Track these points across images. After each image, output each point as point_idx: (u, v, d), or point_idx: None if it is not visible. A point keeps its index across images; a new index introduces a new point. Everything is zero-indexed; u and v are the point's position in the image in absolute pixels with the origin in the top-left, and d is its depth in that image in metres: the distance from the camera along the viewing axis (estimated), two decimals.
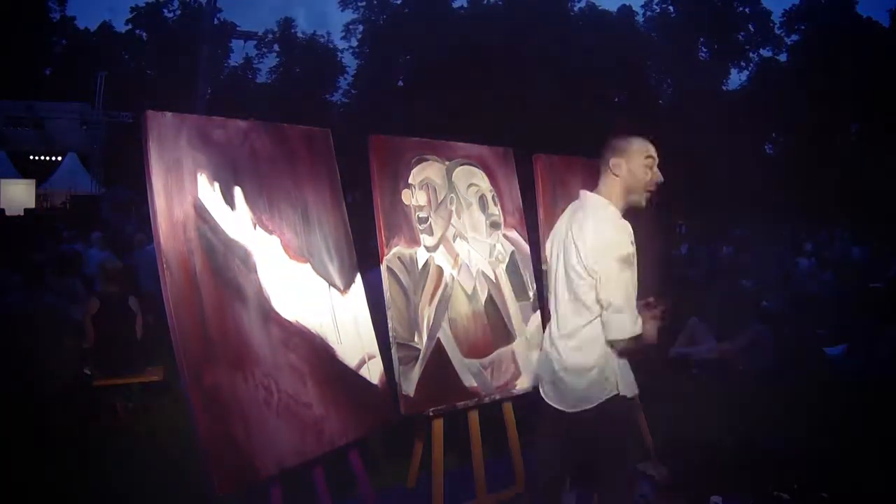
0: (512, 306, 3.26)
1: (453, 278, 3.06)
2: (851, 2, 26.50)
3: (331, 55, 32.78)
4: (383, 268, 2.83)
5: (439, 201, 3.11)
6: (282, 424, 2.30)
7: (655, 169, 2.31)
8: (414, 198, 3.01)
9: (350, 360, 2.65)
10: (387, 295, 2.81)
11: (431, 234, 3.03)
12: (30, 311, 4.70)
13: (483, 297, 3.16)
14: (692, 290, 7.83)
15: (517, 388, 3.19)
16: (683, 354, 5.67)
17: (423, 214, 3.02)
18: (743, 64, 29.70)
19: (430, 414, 2.86)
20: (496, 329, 3.18)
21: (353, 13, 31.90)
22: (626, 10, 30.78)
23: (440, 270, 3.02)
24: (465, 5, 28.72)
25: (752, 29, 29.60)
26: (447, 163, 3.19)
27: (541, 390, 2.24)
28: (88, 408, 4.56)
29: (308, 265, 2.60)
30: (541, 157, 3.48)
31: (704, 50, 29.11)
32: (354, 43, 32.22)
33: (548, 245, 2.30)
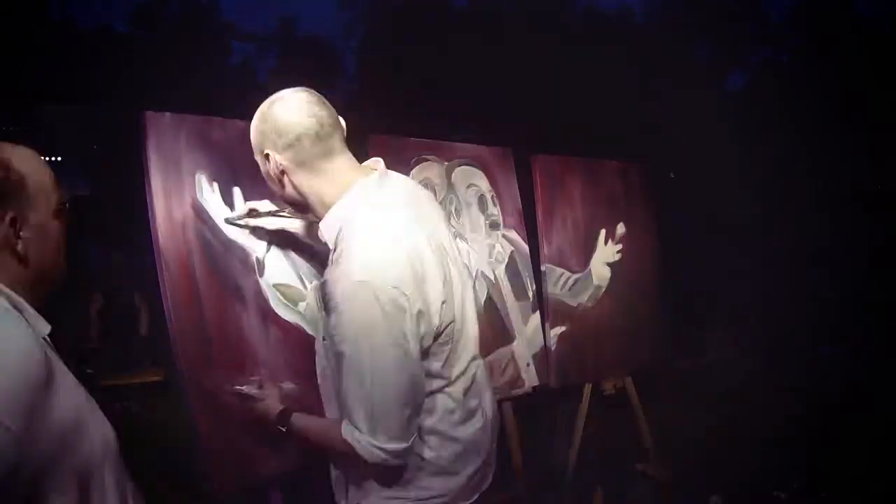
0: (511, 306, 3.26)
1: None
2: (851, 1, 26.48)
3: (331, 55, 32.74)
4: None
5: (439, 201, 3.10)
6: None
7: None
8: None
9: None
10: None
11: None
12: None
13: (482, 297, 3.16)
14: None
15: (517, 388, 3.19)
16: None
17: None
18: (744, 65, 29.67)
19: None
20: (495, 329, 3.18)
21: (353, 13, 31.87)
22: (625, 10, 30.79)
23: None
24: (466, 5, 28.72)
25: (752, 29, 29.58)
26: (446, 163, 3.19)
27: None
28: None
29: (307, 265, 2.59)
30: (538, 158, 3.49)
31: (704, 50, 29.10)
32: (354, 43, 32.18)
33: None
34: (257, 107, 1.86)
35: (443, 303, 1.51)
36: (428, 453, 1.63)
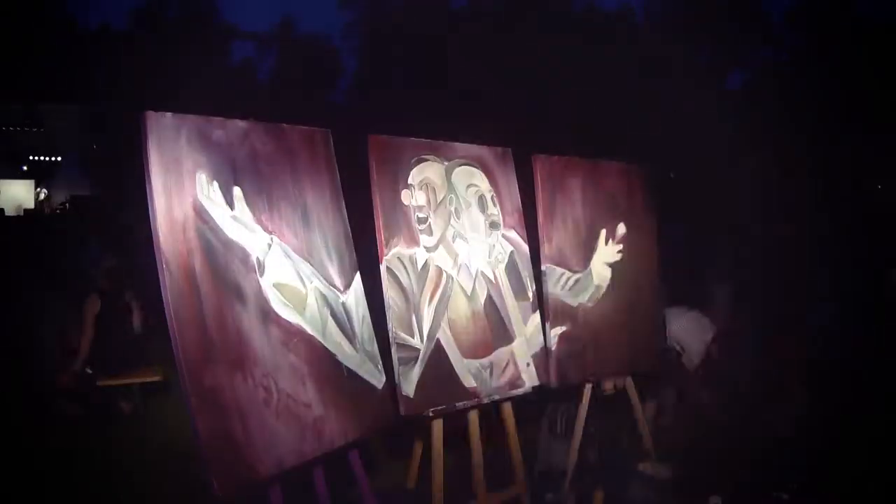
0: (511, 307, 3.26)
1: (453, 279, 3.06)
2: (851, 2, 26.47)
3: (331, 55, 32.76)
4: (383, 268, 2.83)
5: (438, 201, 3.11)
6: (281, 425, 2.31)
7: None
8: (413, 198, 3.01)
9: (350, 360, 2.65)
10: (386, 295, 2.81)
11: (431, 234, 3.03)
12: (32, 312, 4.71)
13: (482, 297, 3.16)
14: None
15: (517, 388, 3.20)
16: None
17: (422, 215, 3.02)
18: (744, 65, 29.66)
19: (430, 414, 2.86)
20: (495, 329, 3.18)
21: (353, 13, 31.89)
22: (626, 10, 30.79)
23: (440, 271, 3.02)
24: (466, 5, 28.73)
25: (752, 29, 29.58)
26: (446, 163, 3.19)
27: None
28: (90, 407, 4.57)
29: (307, 265, 2.60)
30: (539, 158, 3.49)
31: (704, 50, 29.10)
32: (355, 43, 32.20)
33: None
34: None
35: None
36: None
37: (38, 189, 18.61)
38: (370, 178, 2.90)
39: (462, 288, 3.09)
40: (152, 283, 2.16)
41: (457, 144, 3.29)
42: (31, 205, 19.00)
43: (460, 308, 3.06)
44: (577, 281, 3.53)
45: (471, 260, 3.15)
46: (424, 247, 2.99)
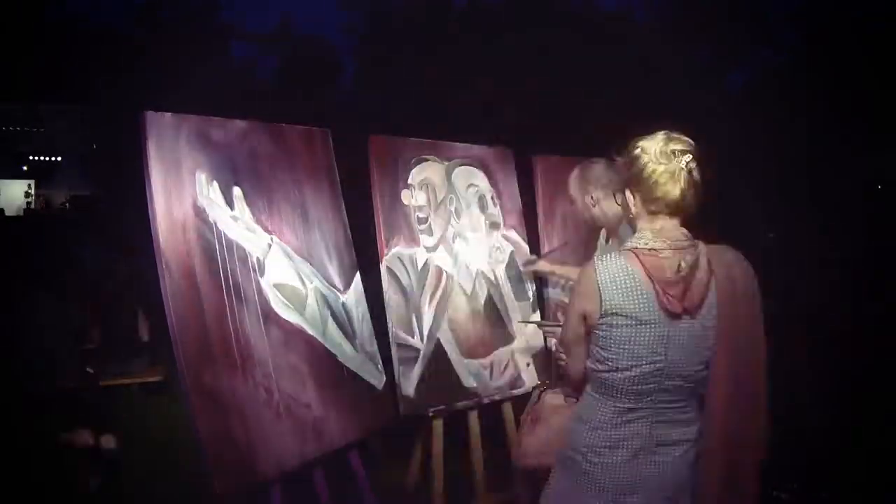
0: (511, 307, 3.26)
1: (453, 279, 3.06)
2: (851, 1, 26.47)
3: (331, 55, 32.76)
4: (383, 268, 2.83)
5: (439, 202, 3.11)
6: (282, 425, 2.31)
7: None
8: (413, 198, 3.01)
9: (350, 360, 2.65)
10: (386, 295, 2.82)
11: (431, 234, 3.03)
12: (33, 311, 4.70)
13: (482, 297, 3.16)
14: None
15: (517, 388, 3.19)
16: None
17: (422, 215, 3.03)
18: (744, 65, 29.67)
19: (430, 414, 2.86)
20: (496, 330, 3.18)
21: (353, 13, 31.90)
22: (626, 10, 30.84)
23: (440, 271, 3.02)
24: (465, 5, 28.71)
25: (752, 29, 29.58)
26: (447, 163, 3.19)
27: None
28: (91, 407, 4.56)
29: (307, 265, 2.60)
30: (539, 158, 3.49)
31: (704, 50, 29.08)
32: (355, 43, 32.22)
33: None
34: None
35: None
36: None
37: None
38: (370, 178, 2.90)
39: (462, 288, 3.09)
40: (152, 283, 2.16)
41: (457, 144, 3.29)
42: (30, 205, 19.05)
43: (460, 308, 3.06)
44: None
45: (471, 260, 3.16)
46: (424, 247, 2.99)
